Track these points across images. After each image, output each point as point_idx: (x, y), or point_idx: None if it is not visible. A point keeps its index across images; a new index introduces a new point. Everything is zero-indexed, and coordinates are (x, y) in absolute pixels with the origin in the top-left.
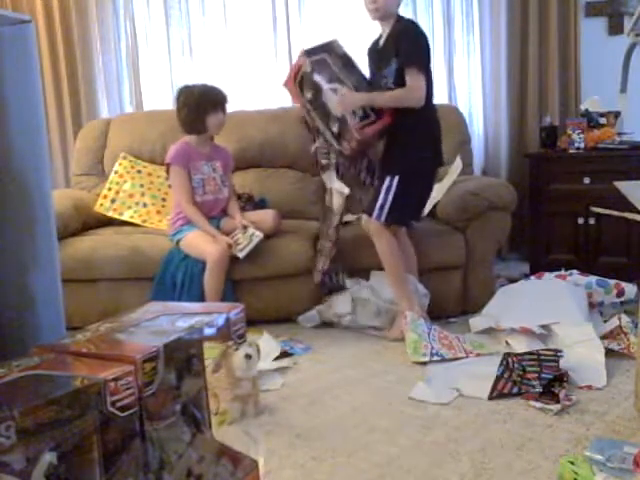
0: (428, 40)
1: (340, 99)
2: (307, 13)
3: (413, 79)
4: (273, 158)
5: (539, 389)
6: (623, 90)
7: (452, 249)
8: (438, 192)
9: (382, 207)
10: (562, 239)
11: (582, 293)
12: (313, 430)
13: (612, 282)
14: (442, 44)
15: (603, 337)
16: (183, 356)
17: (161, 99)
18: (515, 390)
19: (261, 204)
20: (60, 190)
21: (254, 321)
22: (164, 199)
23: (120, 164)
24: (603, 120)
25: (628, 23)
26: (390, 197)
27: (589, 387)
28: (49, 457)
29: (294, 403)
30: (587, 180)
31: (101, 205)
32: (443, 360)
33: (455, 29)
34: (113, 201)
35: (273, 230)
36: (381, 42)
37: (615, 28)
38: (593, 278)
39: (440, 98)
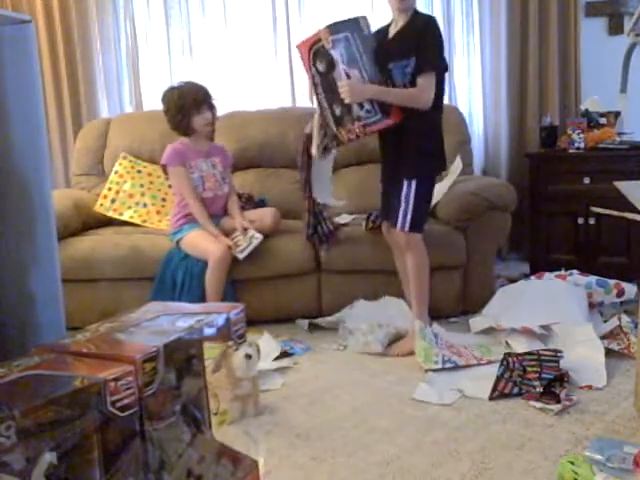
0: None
1: (349, 88)
2: (307, 13)
3: (427, 81)
4: (273, 158)
5: (539, 389)
6: (623, 90)
7: (452, 249)
8: (438, 192)
9: (405, 215)
10: (562, 239)
11: (582, 293)
12: (313, 430)
13: (612, 282)
14: None
15: (603, 337)
16: (183, 356)
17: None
18: (515, 390)
19: (261, 204)
20: (60, 190)
21: (254, 321)
22: (164, 199)
23: (120, 164)
24: (603, 120)
25: (628, 23)
26: (411, 204)
27: (589, 387)
28: (49, 457)
29: (294, 403)
30: (587, 180)
31: (101, 205)
32: (456, 367)
33: (455, 29)
34: (113, 201)
35: (272, 228)
36: (391, 32)
37: (615, 28)
38: (593, 278)
39: None
